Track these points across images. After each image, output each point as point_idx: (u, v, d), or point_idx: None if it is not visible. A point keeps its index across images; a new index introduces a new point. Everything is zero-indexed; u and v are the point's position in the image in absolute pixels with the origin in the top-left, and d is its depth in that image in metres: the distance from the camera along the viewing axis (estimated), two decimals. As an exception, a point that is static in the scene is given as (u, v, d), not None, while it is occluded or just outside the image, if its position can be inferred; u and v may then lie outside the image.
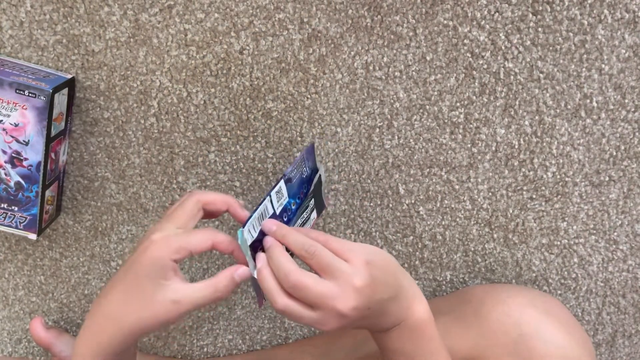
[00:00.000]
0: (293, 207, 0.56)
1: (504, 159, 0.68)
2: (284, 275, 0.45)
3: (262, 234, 0.50)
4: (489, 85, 0.65)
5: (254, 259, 0.49)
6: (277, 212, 0.53)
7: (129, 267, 0.45)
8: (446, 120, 0.66)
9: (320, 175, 0.61)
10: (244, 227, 0.47)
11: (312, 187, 0.59)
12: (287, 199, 0.55)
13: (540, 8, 0.62)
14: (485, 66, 0.64)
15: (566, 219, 0.71)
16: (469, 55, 0.64)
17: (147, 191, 0.69)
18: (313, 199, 0.61)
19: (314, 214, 0.62)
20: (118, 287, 0.45)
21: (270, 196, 0.51)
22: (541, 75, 0.64)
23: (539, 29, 0.63)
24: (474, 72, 0.64)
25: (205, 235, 0.47)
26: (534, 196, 0.70)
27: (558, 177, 0.69)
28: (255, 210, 0.49)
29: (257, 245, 0.50)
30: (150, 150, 0.67)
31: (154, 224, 0.47)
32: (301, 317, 0.46)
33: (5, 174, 0.61)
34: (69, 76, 0.63)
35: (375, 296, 0.47)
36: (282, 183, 0.53)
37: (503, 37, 0.63)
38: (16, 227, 0.63)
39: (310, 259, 0.47)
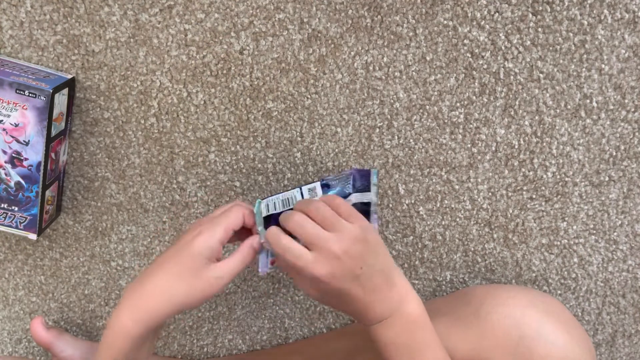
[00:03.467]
0: None
1: (504, 159, 0.68)
2: (289, 216, 0.53)
3: (276, 220, 0.55)
4: (489, 85, 0.65)
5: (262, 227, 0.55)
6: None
7: (179, 251, 0.52)
8: (446, 120, 0.66)
9: (370, 202, 0.60)
10: (262, 199, 0.55)
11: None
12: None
13: (540, 8, 0.62)
14: (485, 66, 0.64)
15: (566, 219, 0.71)
16: (469, 55, 0.64)
17: (147, 191, 0.69)
18: None
19: None
20: (170, 267, 0.51)
21: (301, 189, 0.57)
22: (541, 75, 0.64)
23: (539, 29, 0.63)
24: (474, 72, 0.65)
25: (238, 212, 0.54)
26: (534, 196, 0.70)
27: (558, 177, 0.69)
28: (280, 193, 0.56)
29: (271, 224, 0.55)
30: (150, 150, 0.67)
31: (196, 221, 0.55)
32: (299, 255, 0.51)
33: (6, 174, 0.61)
34: (69, 76, 0.63)
35: (367, 256, 0.51)
36: (318, 184, 0.57)
37: (503, 37, 0.63)
38: (16, 227, 0.63)
39: (316, 215, 0.52)
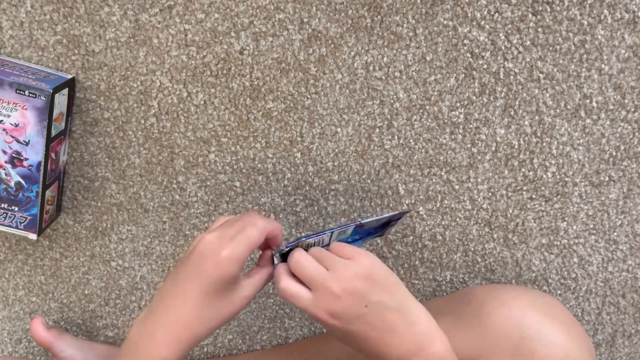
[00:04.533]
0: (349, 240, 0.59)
1: (504, 159, 0.68)
2: (292, 257, 0.51)
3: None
4: (489, 85, 0.65)
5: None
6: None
7: (204, 275, 0.50)
8: (446, 120, 0.66)
9: (392, 224, 0.60)
10: (286, 246, 0.54)
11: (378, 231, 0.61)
12: (349, 235, 0.58)
13: (540, 8, 0.62)
14: (485, 66, 0.64)
15: (566, 219, 0.71)
16: (469, 55, 0.64)
17: (147, 191, 0.69)
18: (375, 235, 0.62)
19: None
20: (194, 295, 0.50)
21: (332, 232, 0.55)
22: (541, 75, 0.64)
23: (539, 29, 0.63)
24: (474, 72, 0.65)
25: (259, 232, 0.52)
26: (534, 196, 0.70)
27: (558, 177, 0.69)
28: (309, 237, 0.54)
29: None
30: (150, 150, 0.67)
31: (207, 233, 0.52)
32: (298, 295, 0.50)
33: (6, 174, 0.61)
34: (69, 76, 0.63)
35: (372, 294, 0.49)
36: (351, 227, 0.56)
37: (503, 37, 0.63)
38: (16, 227, 0.63)
39: (317, 254, 0.52)
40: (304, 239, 0.54)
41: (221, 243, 0.50)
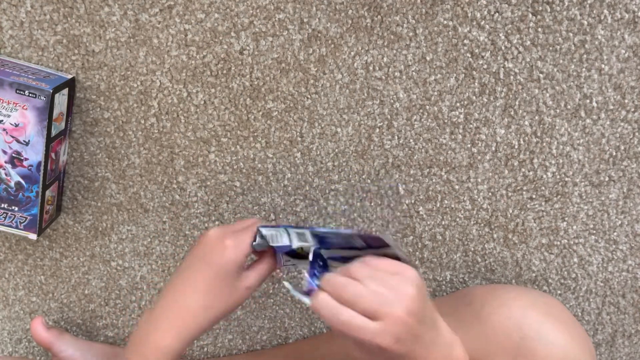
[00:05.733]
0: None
1: (504, 159, 0.68)
2: (342, 286, 0.46)
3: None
4: (489, 85, 0.65)
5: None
6: (294, 247, 0.55)
7: (208, 266, 0.53)
8: (446, 120, 0.66)
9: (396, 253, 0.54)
10: (263, 226, 0.54)
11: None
12: (316, 247, 0.55)
13: (540, 8, 0.62)
14: (485, 66, 0.64)
15: (566, 219, 0.71)
16: (469, 55, 0.64)
17: (147, 191, 0.69)
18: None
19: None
20: (199, 284, 0.52)
21: (288, 229, 0.55)
22: (541, 75, 0.64)
23: (539, 29, 0.63)
24: (474, 72, 0.65)
25: (253, 228, 0.55)
26: (534, 196, 0.70)
27: (558, 177, 0.69)
28: (289, 227, 0.55)
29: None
30: (150, 150, 0.67)
31: (213, 230, 0.55)
32: (364, 327, 0.44)
33: (6, 174, 0.61)
34: (69, 76, 0.63)
35: (426, 309, 0.47)
36: (307, 232, 0.54)
37: (503, 37, 0.63)
38: (16, 227, 0.63)
39: (365, 276, 0.47)
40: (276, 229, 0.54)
41: (225, 234, 0.53)
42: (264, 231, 0.54)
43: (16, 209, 0.63)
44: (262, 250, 0.55)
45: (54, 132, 0.61)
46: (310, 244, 0.55)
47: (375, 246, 0.51)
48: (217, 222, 0.71)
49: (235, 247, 0.52)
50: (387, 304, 0.44)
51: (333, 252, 0.55)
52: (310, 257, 0.54)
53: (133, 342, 0.54)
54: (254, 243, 0.54)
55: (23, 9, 0.61)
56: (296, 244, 0.55)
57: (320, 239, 0.54)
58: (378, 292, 0.45)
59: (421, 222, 0.71)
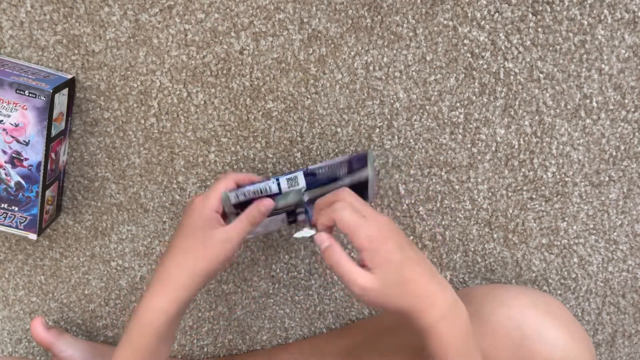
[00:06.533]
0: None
1: (504, 159, 0.68)
2: (329, 209, 0.54)
3: (247, 204, 0.57)
4: (489, 85, 0.65)
5: (236, 215, 0.58)
6: (283, 191, 0.59)
7: (182, 230, 0.56)
8: (446, 120, 0.66)
9: (368, 176, 0.60)
10: (230, 192, 0.57)
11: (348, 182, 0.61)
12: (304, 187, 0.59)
13: (540, 8, 0.62)
14: (485, 66, 0.64)
15: (566, 219, 0.71)
16: (469, 55, 0.64)
17: (147, 191, 0.69)
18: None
19: None
20: (180, 244, 0.56)
21: (278, 180, 0.57)
22: (541, 75, 0.64)
23: (539, 29, 0.63)
24: (474, 72, 0.65)
25: (228, 178, 0.58)
26: (534, 196, 0.70)
27: (558, 177, 0.69)
28: (252, 185, 0.57)
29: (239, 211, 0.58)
30: (150, 150, 0.67)
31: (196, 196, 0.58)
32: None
33: (6, 174, 0.61)
34: (69, 76, 0.63)
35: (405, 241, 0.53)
36: (301, 174, 0.58)
37: (503, 37, 0.63)
38: (16, 227, 0.63)
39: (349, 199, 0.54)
40: (249, 187, 0.57)
41: (194, 196, 0.57)
42: (231, 195, 0.56)
43: (16, 209, 0.63)
44: (243, 205, 0.57)
45: (54, 132, 0.61)
46: (300, 186, 0.58)
47: (356, 169, 0.58)
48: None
49: (203, 203, 0.55)
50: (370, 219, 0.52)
51: (316, 191, 0.60)
52: (305, 198, 0.59)
53: (133, 310, 0.57)
54: (226, 197, 0.56)
55: (23, 9, 0.61)
56: (286, 189, 0.58)
57: (310, 178, 0.58)
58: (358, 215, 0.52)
59: (421, 222, 0.71)
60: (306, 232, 0.57)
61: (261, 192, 0.58)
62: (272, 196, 0.58)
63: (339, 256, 0.52)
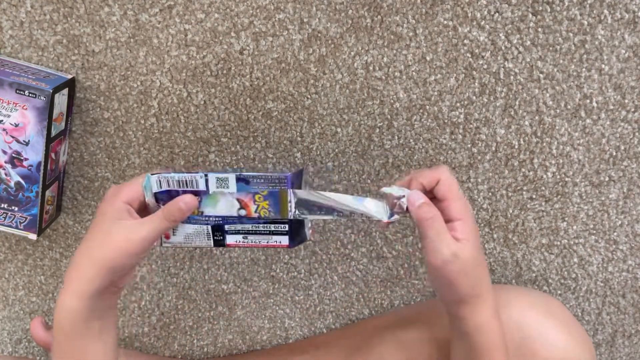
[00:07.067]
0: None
1: (504, 159, 0.68)
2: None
3: (170, 194, 0.53)
4: (489, 85, 0.65)
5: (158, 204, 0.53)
6: (210, 192, 0.53)
7: (92, 221, 0.52)
8: (446, 120, 0.66)
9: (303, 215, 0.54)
10: (153, 174, 0.52)
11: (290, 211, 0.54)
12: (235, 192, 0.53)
13: (540, 8, 0.62)
14: (485, 66, 0.64)
15: (566, 219, 0.71)
16: (469, 55, 0.64)
17: (147, 191, 0.69)
18: (287, 225, 0.55)
19: (281, 238, 0.56)
20: (86, 236, 0.52)
21: (207, 176, 0.52)
22: (541, 75, 0.64)
23: (539, 29, 0.63)
24: (474, 72, 0.65)
25: (141, 177, 0.53)
26: (534, 196, 0.70)
27: (558, 177, 0.69)
28: (177, 173, 0.52)
29: (160, 199, 0.53)
30: (150, 150, 0.68)
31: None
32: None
33: (6, 174, 0.61)
34: (69, 76, 0.63)
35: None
36: (233, 176, 0.52)
37: (503, 37, 0.63)
38: (16, 227, 0.63)
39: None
40: (174, 174, 0.52)
41: (113, 186, 0.53)
42: (153, 178, 0.52)
43: (16, 209, 0.63)
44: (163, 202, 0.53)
45: (54, 132, 0.61)
46: (229, 190, 0.53)
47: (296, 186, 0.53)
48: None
49: (114, 192, 0.52)
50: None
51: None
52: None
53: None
54: (148, 181, 0.52)
55: (23, 9, 0.61)
56: (213, 189, 0.53)
57: (241, 185, 0.52)
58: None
59: (421, 222, 0.71)
60: (396, 190, 0.53)
61: (186, 184, 0.52)
62: (198, 194, 0.53)
63: (436, 216, 0.49)
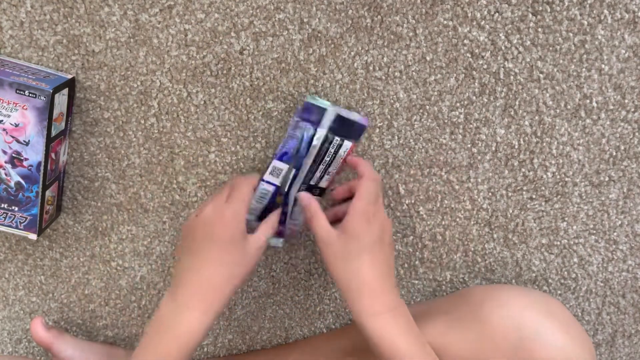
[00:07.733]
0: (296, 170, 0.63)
1: (504, 159, 0.68)
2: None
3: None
4: (489, 85, 0.65)
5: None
6: (279, 184, 0.63)
7: (215, 244, 0.56)
8: (446, 120, 0.66)
9: (329, 117, 0.62)
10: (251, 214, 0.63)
11: (322, 132, 0.62)
12: (291, 165, 0.63)
13: (540, 8, 0.62)
14: (485, 66, 0.64)
15: (566, 219, 0.71)
16: (469, 55, 0.64)
17: (147, 191, 0.69)
18: (332, 135, 0.62)
19: (345, 145, 0.63)
20: (216, 259, 0.56)
21: (265, 180, 0.63)
22: (541, 75, 0.64)
23: (539, 29, 0.63)
24: (474, 72, 0.65)
25: (247, 187, 0.59)
26: (534, 196, 0.70)
27: (558, 177, 0.69)
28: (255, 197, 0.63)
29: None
30: (150, 150, 0.68)
31: (202, 206, 0.58)
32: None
33: (6, 174, 0.61)
34: (69, 76, 0.63)
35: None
36: (274, 161, 0.62)
37: (503, 37, 0.63)
38: (16, 227, 0.63)
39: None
40: (255, 203, 0.64)
41: (221, 207, 0.57)
42: (253, 201, 0.63)
43: (16, 209, 0.63)
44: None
45: (54, 132, 0.61)
46: (287, 166, 0.62)
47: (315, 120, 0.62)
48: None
49: (235, 216, 0.56)
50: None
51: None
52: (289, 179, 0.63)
53: (156, 330, 0.56)
54: (248, 215, 0.60)
55: (23, 9, 0.61)
56: (275, 179, 0.63)
57: (286, 158, 0.62)
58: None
59: (421, 222, 0.71)
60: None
61: (262, 197, 0.64)
62: (273, 194, 0.63)
63: (317, 209, 0.59)
